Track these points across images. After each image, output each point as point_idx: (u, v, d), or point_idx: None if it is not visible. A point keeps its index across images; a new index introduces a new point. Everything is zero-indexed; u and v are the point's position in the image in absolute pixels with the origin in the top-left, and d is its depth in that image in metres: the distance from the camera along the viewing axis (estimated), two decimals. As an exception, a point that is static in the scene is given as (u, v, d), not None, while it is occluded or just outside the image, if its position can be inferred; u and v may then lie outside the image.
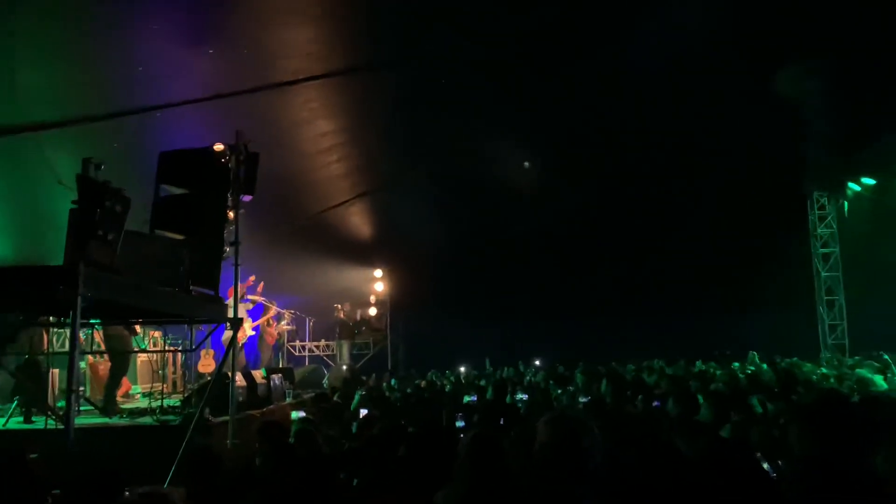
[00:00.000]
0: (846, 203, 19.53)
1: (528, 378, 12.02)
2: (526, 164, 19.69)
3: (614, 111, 17.27)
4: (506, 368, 14.40)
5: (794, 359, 14.97)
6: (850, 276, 19.16)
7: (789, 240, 19.95)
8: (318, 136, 13.46)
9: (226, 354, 7.77)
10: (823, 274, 19.35)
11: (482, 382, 11.23)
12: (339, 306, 18.55)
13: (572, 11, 13.14)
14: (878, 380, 8.89)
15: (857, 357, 15.04)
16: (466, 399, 7.28)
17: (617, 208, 20.65)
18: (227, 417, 7.57)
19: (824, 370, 12.48)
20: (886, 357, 12.15)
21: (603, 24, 14.27)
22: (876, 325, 18.43)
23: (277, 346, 16.17)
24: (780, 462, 4.37)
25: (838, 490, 3.22)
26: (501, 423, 6.06)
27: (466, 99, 14.39)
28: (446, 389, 10.74)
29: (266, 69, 10.37)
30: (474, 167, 18.11)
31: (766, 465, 4.08)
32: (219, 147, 7.65)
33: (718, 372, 12.21)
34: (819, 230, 19.49)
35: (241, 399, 8.55)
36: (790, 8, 14.78)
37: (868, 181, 18.31)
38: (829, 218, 19.40)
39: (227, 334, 11.67)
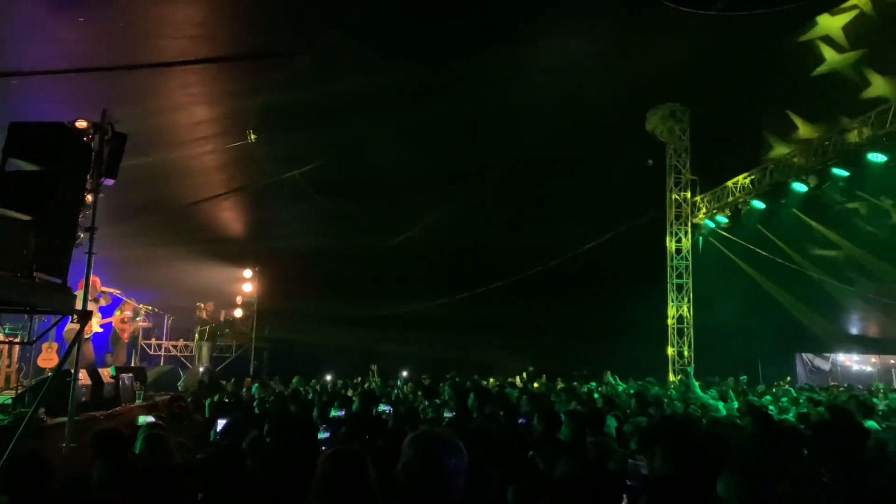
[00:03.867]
0: (700, 238, 21.08)
1: (396, 392, 11.94)
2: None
3: (498, 129, 17.68)
4: (372, 380, 14.26)
5: (650, 378, 15.92)
6: (699, 307, 20.61)
7: (650, 270, 21.17)
8: (194, 125, 12.74)
9: (69, 349, 7.11)
10: (676, 304, 20.67)
11: (350, 392, 11.04)
12: (202, 305, 17.60)
13: (476, 24, 13.32)
14: (721, 406, 9.57)
15: (699, 382, 16.20)
16: (334, 413, 7.02)
17: (488, 225, 21.07)
18: (64, 419, 6.91)
19: (672, 393, 13.32)
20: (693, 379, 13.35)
21: (497, 42, 14.60)
22: (717, 354, 19.99)
23: (131, 344, 15.16)
24: (629, 483, 4.52)
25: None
26: (367, 437, 5.91)
27: (354, 100, 14.17)
28: (310, 397, 10.43)
29: (143, 47, 9.65)
30: (357, 170, 17.89)
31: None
32: (81, 124, 7.04)
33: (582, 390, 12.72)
34: (675, 262, 20.80)
35: (84, 399, 7.86)
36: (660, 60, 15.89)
37: (721, 219, 19.84)
38: (685, 251, 20.77)
39: (71, 327, 10.77)
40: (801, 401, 11.28)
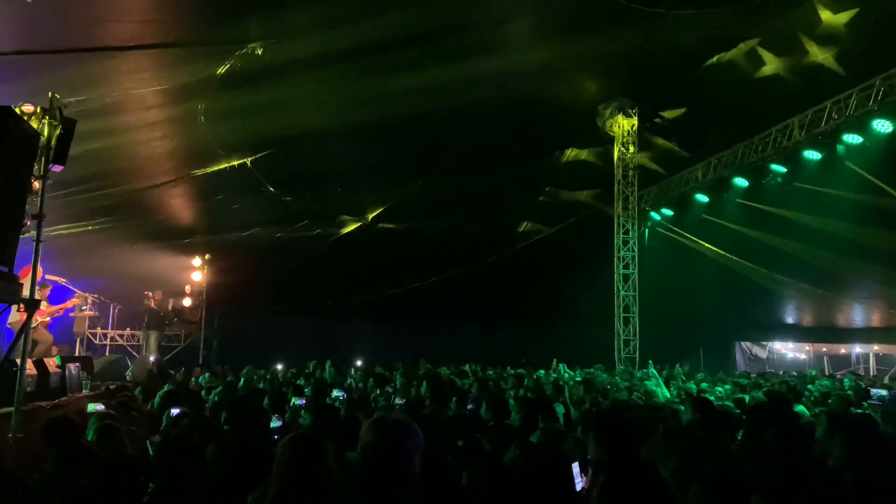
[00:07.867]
0: (647, 229, 21.65)
1: (349, 381, 12.01)
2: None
3: (449, 121, 17.73)
4: (327, 369, 14.26)
5: (598, 365, 16.32)
6: (644, 297, 21.17)
7: (599, 260, 21.66)
8: (144, 109, 12.48)
9: (15, 338, 6.97)
10: (623, 293, 21.18)
11: (301, 382, 11.05)
12: (150, 294, 17.24)
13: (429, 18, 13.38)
14: (660, 392, 10.02)
15: (644, 370, 16.72)
16: (295, 402, 7.06)
17: (441, 216, 21.21)
18: (10, 409, 6.79)
19: (618, 380, 13.73)
20: (653, 371, 13.81)
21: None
22: (661, 343, 20.61)
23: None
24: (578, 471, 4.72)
25: (632, 490, 3.56)
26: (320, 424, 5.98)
27: (307, 88, 14.06)
28: (260, 386, 10.43)
29: (93, 30, 9.41)
30: (308, 159, 17.73)
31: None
32: (28, 108, 6.88)
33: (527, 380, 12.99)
34: (622, 252, 21.30)
35: (29, 389, 7.72)
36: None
37: (667, 212, 20.40)
38: (632, 242, 21.29)
39: (15, 316, 10.52)
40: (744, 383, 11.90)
